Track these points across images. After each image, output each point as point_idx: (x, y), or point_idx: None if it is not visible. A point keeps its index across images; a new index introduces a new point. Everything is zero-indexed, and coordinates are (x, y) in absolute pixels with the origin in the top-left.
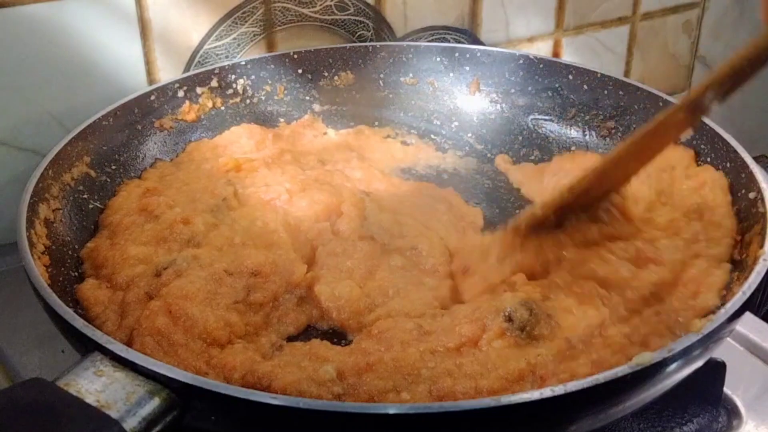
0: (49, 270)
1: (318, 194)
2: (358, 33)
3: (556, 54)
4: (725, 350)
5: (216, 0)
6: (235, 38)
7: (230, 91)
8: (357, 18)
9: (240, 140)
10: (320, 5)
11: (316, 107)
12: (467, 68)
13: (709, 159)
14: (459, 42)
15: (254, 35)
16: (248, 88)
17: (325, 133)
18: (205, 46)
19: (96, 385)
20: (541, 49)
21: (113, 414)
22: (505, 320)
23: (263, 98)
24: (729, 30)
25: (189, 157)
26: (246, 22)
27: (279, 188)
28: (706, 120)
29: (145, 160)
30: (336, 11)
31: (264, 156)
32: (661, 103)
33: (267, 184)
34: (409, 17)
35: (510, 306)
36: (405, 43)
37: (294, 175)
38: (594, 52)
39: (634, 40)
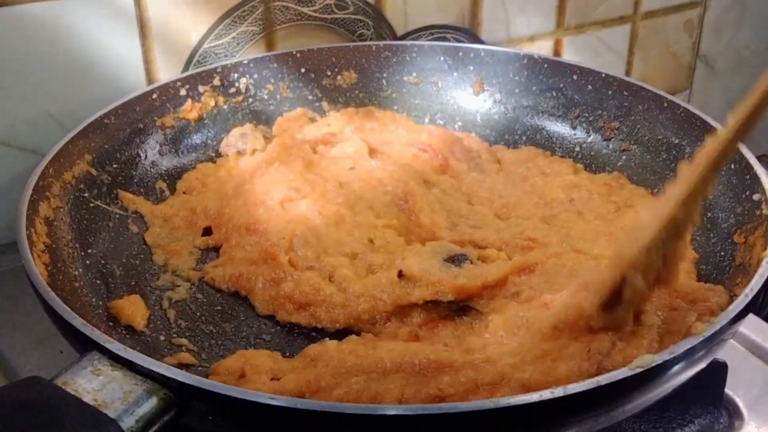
0: (49, 269)
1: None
2: (358, 32)
3: (557, 53)
4: (727, 351)
5: None
6: (234, 37)
7: (233, 89)
8: (357, 17)
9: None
10: (320, 4)
11: (318, 106)
12: (471, 68)
13: None
14: (459, 41)
15: (254, 34)
16: (251, 86)
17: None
18: (205, 45)
19: (93, 384)
20: (542, 48)
21: (110, 413)
22: None
23: (266, 97)
24: (730, 29)
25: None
26: (245, 21)
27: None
28: (710, 121)
29: (147, 158)
30: (336, 10)
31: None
32: (665, 104)
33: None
34: (410, 16)
35: None
36: (408, 43)
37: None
38: (595, 52)
39: (635, 40)
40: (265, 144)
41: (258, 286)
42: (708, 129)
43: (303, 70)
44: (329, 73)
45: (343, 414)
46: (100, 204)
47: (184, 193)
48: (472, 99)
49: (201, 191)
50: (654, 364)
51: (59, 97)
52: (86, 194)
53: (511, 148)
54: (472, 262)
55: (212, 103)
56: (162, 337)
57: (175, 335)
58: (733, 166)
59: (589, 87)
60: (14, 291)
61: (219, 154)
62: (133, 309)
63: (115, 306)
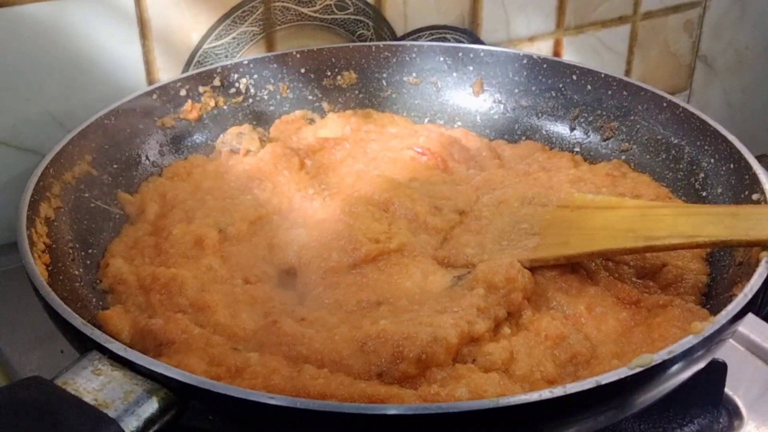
0: (50, 269)
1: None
2: (358, 32)
3: (556, 53)
4: (726, 351)
5: None
6: (234, 38)
7: (232, 90)
8: (357, 17)
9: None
10: (320, 4)
11: (319, 106)
12: (471, 68)
13: (712, 160)
14: (459, 41)
15: (254, 35)
16: (251, 87)
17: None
18: (205, 46)
19: (94, 384)
20: (542, 48)
21: (111, 413)
22: None
23: (266, 97)
24: (730, 29)
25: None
26: (245, 21)
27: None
28: (710, 121)
29: (147, 159)
30: (336, 10)
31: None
32: (665, 104)
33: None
34: (410, 16)
35: None
36: (408, 43)
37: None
38: (595, 52)
39: (635, 40)
40: (259, 146)
41: None
42: (708, 130)
43: (303, 71)
44: (329, 73)
45: (343, 414)
46: (100, 204)
47: (167, 178)
48: (472, 99)
49: (184, 179)
50: (653, 364)
51: (59, 97)
52: (87, 194)
53: (510, 143)
54: None
55: (212, 104)
56: None
57: None
58: (732, 166)
59: (589, 87)
60: (14, 291)
61: (213, 149)
62: (122, 321)
63: (101, 317)
